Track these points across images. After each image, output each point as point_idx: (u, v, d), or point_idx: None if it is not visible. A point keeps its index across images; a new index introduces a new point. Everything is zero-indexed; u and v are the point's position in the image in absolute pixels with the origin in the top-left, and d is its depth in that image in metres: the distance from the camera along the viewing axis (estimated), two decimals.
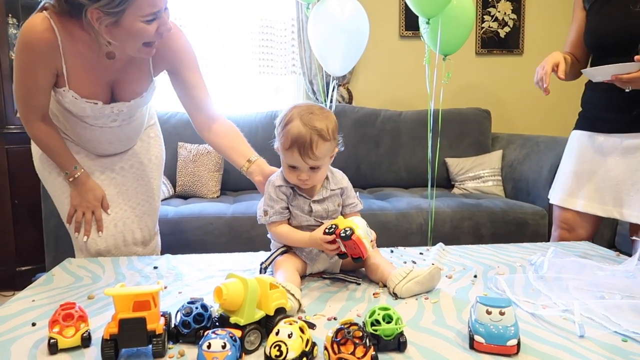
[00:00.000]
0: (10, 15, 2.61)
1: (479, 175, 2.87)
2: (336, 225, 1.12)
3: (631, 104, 1.52)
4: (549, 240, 1.84)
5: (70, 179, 1.48)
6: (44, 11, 1.27)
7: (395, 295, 1.09)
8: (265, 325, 0.88)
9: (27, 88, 1.35)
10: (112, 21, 1.19)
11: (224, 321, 0.87)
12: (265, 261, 1.21)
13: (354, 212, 1.26)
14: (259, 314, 0.87)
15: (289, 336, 0.77)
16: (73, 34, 1.28)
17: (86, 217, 1.48)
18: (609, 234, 2.42)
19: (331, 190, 1.23)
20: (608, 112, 1.59)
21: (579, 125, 1.71)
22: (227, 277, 0.91)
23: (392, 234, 2.30)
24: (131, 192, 1.59)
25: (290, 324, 0.80)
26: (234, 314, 0.87)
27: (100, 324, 0.93)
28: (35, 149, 1.55)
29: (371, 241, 1.15)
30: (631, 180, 1.56)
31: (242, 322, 0.84)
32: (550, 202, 1.77)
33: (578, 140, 1.69)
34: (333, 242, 1.11)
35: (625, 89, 1.44)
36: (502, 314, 0.84)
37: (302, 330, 0.80)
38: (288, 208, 1.22)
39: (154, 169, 1.66)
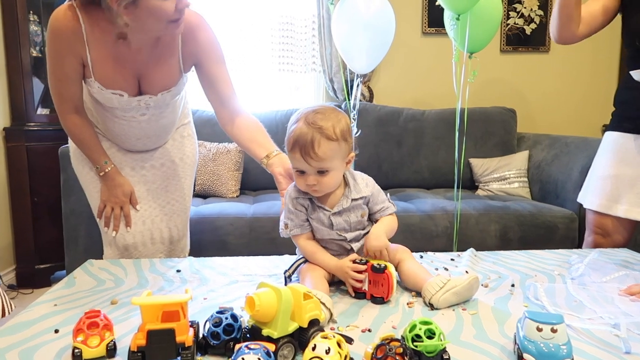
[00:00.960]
0: (31, 12, 2.61)
1: (505, 176, 2.79)
2: (367, 260, 1.09)
3: None
4: (579, 245, 1.77)
5: (101, 174, 1.48)
6: (71, 0, 1.28)
7: (431, 306, 1.03)
8: (299, 337, 0.83)
9: (58, 78, 1.37)
10: (130, 1, 1.18)
11: (255, 333, 0.83)
12: (289, 269, 1.17)
13: (385, 215, 1.18)
14: (292, 326, 0.82)
15: (327, 352, 0.73)
16: (98, 24, 1.28)
17: (115, 212, 1.49)
18: None
19: (352, 200, 1.14)
20: None
21: (615, 127, 1.63)
22: (259, 286, 0.86)
23: (416, 236, 2.24)
24: (161, 191, 1.57)
25: (327, 338, 0.75)
26: (266, 326, 0.82)
27: (125, 332, 0.90)
28: (71, 143, 1.56)
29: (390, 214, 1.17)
30: None
31: (275, 335, 0.79)
32: (586, 207, 1.69)
33: (616, 142, 1.61)
34: (360, 273, 1.07)
35: None
36: (554, 331, 0.78)
37: (339, 344, 0.75)
38: (309, 220, 1.16)
39: (186, 169, 1.64)
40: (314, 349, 0.74)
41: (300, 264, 1.17)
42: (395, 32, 2.35)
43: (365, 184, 1.18)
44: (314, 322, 0.85)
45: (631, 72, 1.53)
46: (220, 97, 1.45)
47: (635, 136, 1.56)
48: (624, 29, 1.59)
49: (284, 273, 1.17)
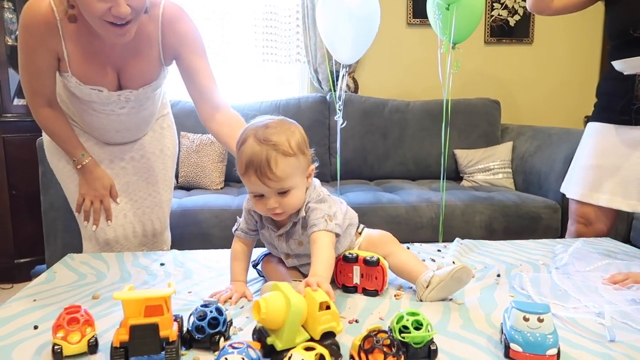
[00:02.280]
0: None
1: (489, 167, 2.81)
2: (357, 254, 1.07)
3: None
4: (562, 235, 1.78)
5: (78, 167, 1.44)
6: None
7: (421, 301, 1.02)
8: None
9: (30, 72, 1.31)
10: None
11: (261, 337, 0.79)
12: (256, 259, 1.17)
13: (311, 232, 0.99)
14: (301, 337, 0.76)
15: None
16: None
17: (94, 206, 1.44)
18: (624, 229, 2.37)
19: (294, 222, 1.03)
20: (631, 104, 1.52)
21: (597, 117, 1.64)
22: (272, 288, 0.81)
23: (402, 228, 2.24)
24: (141, 183, 1.54)
25: (311, 349, 0.71)
26: (273, 334, 0.77)
27: (107, 328, 0.88)
28: (45, 136, 1.51)
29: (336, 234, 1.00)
30: None
31: (279, 347, 0.75)
32: (569, 196, 1.70)
33: (597, 133, 1.62)
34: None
35: None
36: (540, 320, 0.79)
37: (321, 359, 0.69)
38: (258, 231, 1.11)
39: (166, 160, 1.61)
40: (289, 358, 0.69)
41: (268, 254, 1.17)
42: (380, 22, 2.33)
43: (309, 201, 1.03)
44: (329, 335, 0.77)
45: (613, 63, 1.54)
46: (201, 91, 1.39)
47: (616, 126, 1.57)
48: (610, 19, 1.60)
49: (252, 264, 1.16)
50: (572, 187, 1.68)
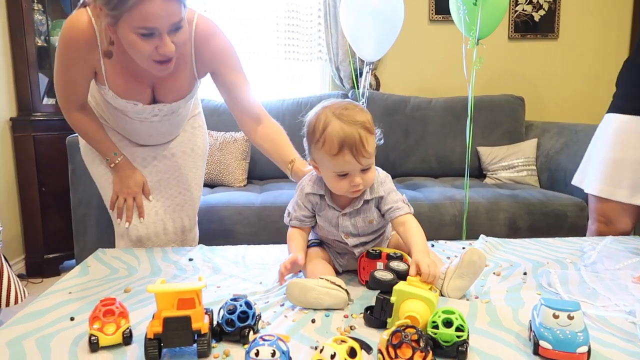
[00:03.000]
0: (35, 1, 2.59)
1: (513, 164, 2.78)
2: (380, 250, 1.08)
3: None
4: (584, 235, 1.74)
5: (112, 165, 1.48)
6: (86, 7, 1.25)
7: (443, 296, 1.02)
8: None
9: (66, 81, 1.35)
10: (111, 23, 1.15)
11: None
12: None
13: (394, 216, 1.08)
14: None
15: (332, 357, 0.69)
16: None
17: (127, 203, 1.47)
18: None
19: (364, 201, 1.09)
20: None
21: (616, 108, 1.58)
22: (397, 295, 0.87)
23: (424, 225, 2.17)
24: (172, 181, 1.57)
25: (343, 342, 0.72)
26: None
27: (139, 320, 0.90)
28: (80, 138, 1.55)
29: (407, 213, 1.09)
30: None
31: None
32: (587, 191, 1.64)
33: (616, 125, 1.56)
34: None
35: None
36: (570, 318, 0.78)
37: (353, 352, 0.71)
38: (314, 216, 1.13)
39: (197, 159, 1.63)
40: (321, 350, 0.71)
41: (311, 246, 1.17)
42: (403, 19, 2.32)
43: (381, 181, 1.11)
44: None
45: None
46: (239, 104, 1.43)
47: (637, 117, 1.52)
48: None
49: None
50: (590, 181, 1.62)
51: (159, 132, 1.52)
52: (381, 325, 0.88)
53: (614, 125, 1.58)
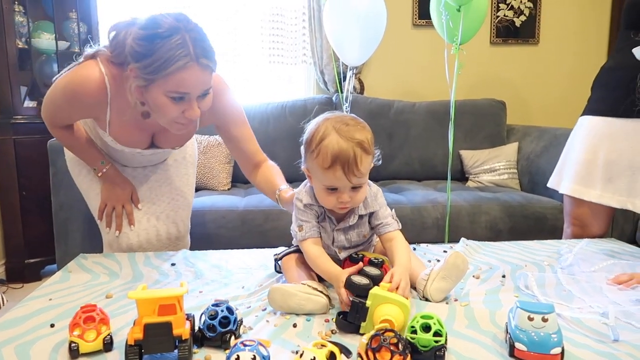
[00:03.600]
0: (16, 2, 2.56)
1: (494, 168, 2.82)
2: (363, 255, 1.09)
3: None
4: (561, 238, 1.77)
5: (99, 175, 1.47)
6: (98, 59, 1.23)
7: (426, 300, 1.04)
8: None
9: (59, 117, 1.36)
10: (143, 85, 1.15)
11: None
12: (279, 253, 1.19)
13: (383, 232, 1.11)
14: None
15: None
16: (122, 87, 1.23)
17: (117, 210, 1.47)
18: (630, 229, 2.37)
19: (359, 216, 1.10)
20: (632, 93, 1.48)
21: (591, 111, 1.62)
22: (373, 299, 0.88)
23: (407, 228, 2.21)
24: (164, 189, 1.57)
25: (323, 346, 0.74)
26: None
27: (120, 326, 0.90)
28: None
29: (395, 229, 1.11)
30: None
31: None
32: (560, 192, 1.67)
33: (590, 127, 1.59)
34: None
35: None
36: (544, 320, 0.80)
37: (332, 356, 0.72)
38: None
39: (188, 167, 1.65)
40: (301, 355, 0.72)
41: (293, 251, 1.17)
42: (386, 24, 2.35)
43: (373, 197, 1.12)
44: None
45: (633, 50, 1.47)
46: (244, 154, 1.48)
47: (609, 119, 1.55)
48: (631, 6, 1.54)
49: (274, 255, 1.19)
50: (563, 182, 1.65)
51: (150, 161, 1.54)
52: (354, 329, 0.89)
53: (585, 127, 1.61)
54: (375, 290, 0.89)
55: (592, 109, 1.62)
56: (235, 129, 1.45)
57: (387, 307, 0.87)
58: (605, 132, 1.55)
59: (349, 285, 0.93)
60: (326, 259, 1.06)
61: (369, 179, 1.10)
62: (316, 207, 1.10)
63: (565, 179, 1.65)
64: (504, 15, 3.42)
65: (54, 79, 1.30)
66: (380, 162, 1.10)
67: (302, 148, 1.08)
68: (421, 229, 2.28)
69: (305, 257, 1.10)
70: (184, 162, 1.63)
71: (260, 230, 2.19)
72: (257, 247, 1.46)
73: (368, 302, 0.88)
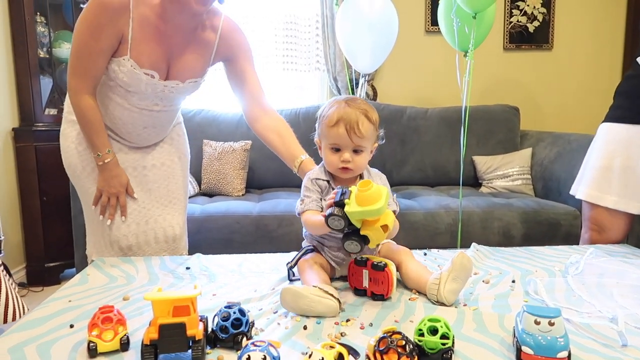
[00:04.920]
0: (38, 13, 2.65)
1: (508, 173, 2.81)
2: (367, 258, 1.11)
3: None
4: (578, 243, 1.77)
5: (100, 163, 1.48)
6: None
7: (441, 304, 1.05)
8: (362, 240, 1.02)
9: (89, 52, 1.37)
10: None
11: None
12: (291, 261, 1.20)
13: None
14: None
15: None
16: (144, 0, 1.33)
17: (111, 201, 1.50)
18: None
19: None
20: None
21: (610, 118, 1.63)
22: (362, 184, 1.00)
23: (420, 234, 2.27)
24: (162, 190, 1.60)
25: (331, 347, 0.75)
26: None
27: (137, 327, 0.93)
28: (69, 145, 1.54)
29: (394, 211, 1.14)
30: None
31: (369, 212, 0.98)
32: (577, 197, 1.68)
33: (608, 133, 1.61)
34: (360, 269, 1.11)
35: None
36: (551, 324, 0.81)
37: (340, 357, 0.74)
38: (322, 200, 1.19)
39: (183, 167, 1.68)
40: (310, 355, 0.73)
41: (302, 255, 1.20)
42: (398, 31, 2.37)
43: (379, 178, 1.24)
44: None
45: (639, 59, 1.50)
46: (249, 92, 1.54)
47: (628, 126, 1.56)
48: None
49: (287, 265, 1.21)
50: (581, 187, 1.67)
51: (154, 124, 1.54)
52: (345, 223, 1.01)
53: (604, 134, 1.63)
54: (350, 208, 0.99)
55: (612, 116, 1.64)
56: (248, 64, 1.54)
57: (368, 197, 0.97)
58: (623, 138, 1.57)
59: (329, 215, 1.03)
60: (313, 214, 1.14)
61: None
62: (322, 180, 1.19)
63: (583, 184, 1.67)
64: (517, 21, 3.42)
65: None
66: (384, 140, 1.22)
67: (317, 121, 1.21)
68: (434, 235, 2.29)
69: (305, 226, 1.19)
70: (180, 163, 1.66)
71: (273, 236, 2.22)
72: (270, 252, 1.48)
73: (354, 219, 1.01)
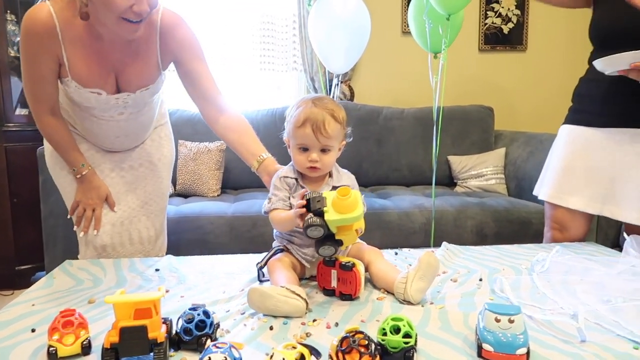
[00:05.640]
0: (8, 11, 2.59)
1: (482, 173, 2.85)
2: (336, 258, 1.12)
3: (636, 97, 1.46)
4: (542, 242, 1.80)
5: (77, 176, 1.49)
6: (46, 1, 1.29)
7: (409, 303, 1.06)
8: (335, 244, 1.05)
9: (34, 80, 1.37)
10: None
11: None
12: (261, 261, 1.20)
13: None
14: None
15: None
16: (72, 21, 1.29)
17: (86, 213, 1.49)
18: (613, 233, 2.40)
19: (333, 187, 1.19)
20: (607, 105, 1.54)
21: (570, 120, 1.67)
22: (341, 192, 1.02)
23: (394, 233, 2.28)
24: (140, 190, 1.58)
25: (293, 347, 0.76)
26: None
27: (102, 330, 0.92)
28: (47, 144, 1.55)
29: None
30: (623, 178, 1.52)
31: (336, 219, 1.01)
32: (539, 197, 1.71)
33: (569, 135, 1.64)
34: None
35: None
36: (511, 321, 0.82)
37: (302, 358, 0.75)
38: (290, 198, 1.19)
39: (164, 169, 1.66)
40: (271, 357, 0.74)
41: (272, 255, 1.20)
42: (372, 32, 2.38)
43: (347, 177, 1.25)
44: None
45: (594, 62, 1.50)
46: (203, 93, 1.46)
47: (586, 128, 1.59)
48: (594, 21, 1.62)
49: (256, 265, 1.21)
50: (543, 188, 1.69)
51: (125, 133, 1.53)
52: (324, 230, 1.03)
53: (565, 135, 1.66)
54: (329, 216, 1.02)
55: (571, 118, 1.67)
56: (195, 62, 1.44)
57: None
58: (582, 141, 1.60)
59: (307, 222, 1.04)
60: (284, 212, 1.16)
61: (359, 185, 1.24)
62: (290, 178, 1.20)
63: (545, 185, 1.69)
64: (492, 23, 3.47)
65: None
66: (351, 138, 1.24)
67: (286, 121, 1.22)
68: (408, 234, 2.31)
69: (273, 225, 1.20)
70: (160, 165, 1.65)
71: (248, 237, 2.21)
72: (245, 253, 1.48)
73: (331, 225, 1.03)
